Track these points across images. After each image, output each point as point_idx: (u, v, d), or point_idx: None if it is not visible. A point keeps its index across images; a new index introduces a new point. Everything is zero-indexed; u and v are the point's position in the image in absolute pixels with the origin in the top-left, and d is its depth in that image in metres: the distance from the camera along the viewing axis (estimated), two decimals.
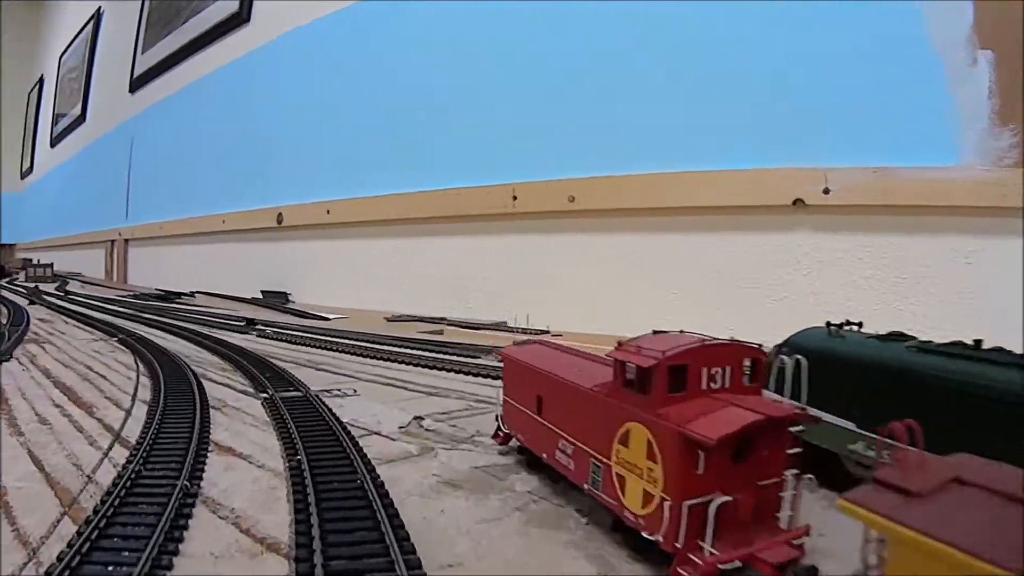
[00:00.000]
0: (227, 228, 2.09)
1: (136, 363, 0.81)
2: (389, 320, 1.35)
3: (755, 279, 1.00)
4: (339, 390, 0.66)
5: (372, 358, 0.87)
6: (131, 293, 2.00)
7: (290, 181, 1.89)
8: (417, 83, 1.53)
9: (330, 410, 0.54)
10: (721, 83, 1.04)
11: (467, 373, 0.78)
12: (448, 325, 1.25)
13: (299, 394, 0.61)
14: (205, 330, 1.14)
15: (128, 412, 0.57)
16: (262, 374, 0.71)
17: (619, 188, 1.14)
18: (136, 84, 3.06)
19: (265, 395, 0.61)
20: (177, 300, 1.87)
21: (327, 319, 1.37)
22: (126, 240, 3.00)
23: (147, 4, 3.01)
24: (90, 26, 4.06)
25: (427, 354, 0.89)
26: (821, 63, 0.95)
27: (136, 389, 0.67)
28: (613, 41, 1.17)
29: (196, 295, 2.09)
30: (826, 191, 0.92)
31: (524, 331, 1.16)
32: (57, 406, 0.60)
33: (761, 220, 1.00)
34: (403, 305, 1.52)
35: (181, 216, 2.40)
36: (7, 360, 0.81)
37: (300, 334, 1.07)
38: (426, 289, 1.49)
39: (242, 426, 0.53)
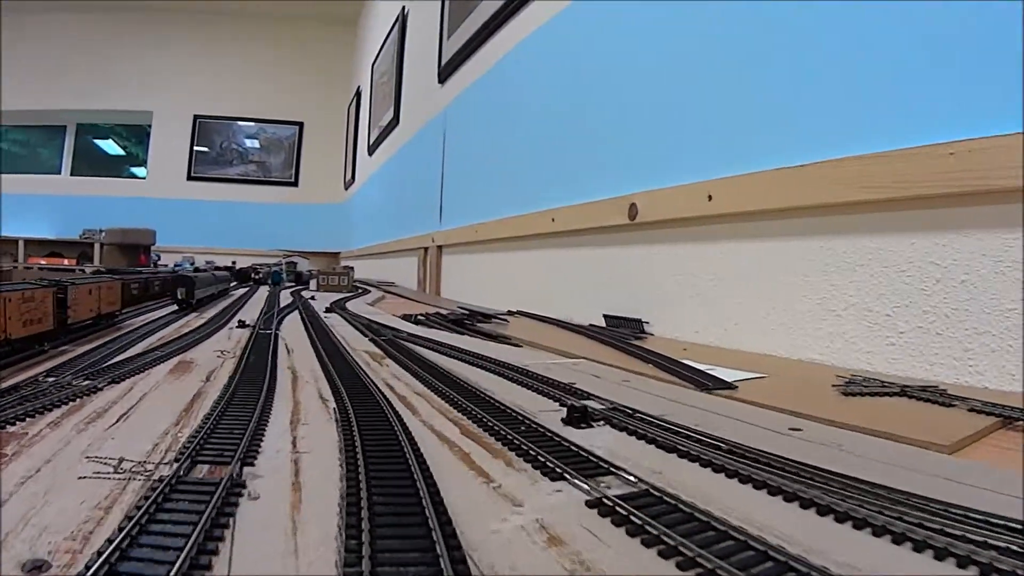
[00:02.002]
0: (558, 229, 1.74)
1: None
2: (844, 391, 0.81)
3: None
4: None
5: None
6: (426, 313, 1.75)
7: (647, 158, 1.45)
8: None
9: None
10: None
11: None
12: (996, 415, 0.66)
13: None
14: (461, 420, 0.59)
15: None
16: None
17: None
18: (444, 73, 2.95)
19: None
20: (478, 325, 1.54)
21: (727, 385, 0.85)
22: (439, 247, 2.90)
23: None
24: (397, 26, 4.19)
25: None
26: None
27: None
28: None
29: (512, 317, 1.78)
30: None
31: None
32: None
33: None
34: (863, 355, 0.96)
35: (499, 216, 2.14)
36: None
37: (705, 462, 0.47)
38: (902, 323, 0.92)
39: None
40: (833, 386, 0.82)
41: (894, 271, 0.93)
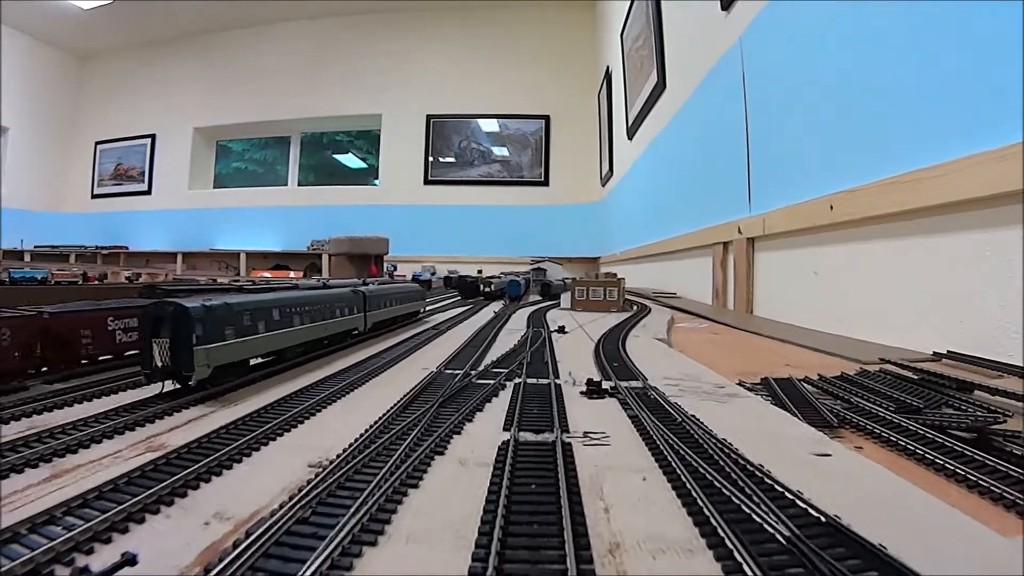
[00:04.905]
0: None
1: None
2: None
3: None
4: None
5: None
6: (820, 378, 0.99)
7: None
8: None
9: None
10: None
11: None
12: None
13: None
14: None
15: None
16: None
17: None
18: None
19: None
20: (990, 429, 0.73)
21: None
22: (749, 240, 2.10)
23: None
24: None
25: None
26: None
27: None
28: None
29: (971, 370, 0.98)
30: None
31: None
32: None
33: None
34: None
35: (880, 177, 1.30)
36: None
37: None
38: None
39: None
40: None
41: None
